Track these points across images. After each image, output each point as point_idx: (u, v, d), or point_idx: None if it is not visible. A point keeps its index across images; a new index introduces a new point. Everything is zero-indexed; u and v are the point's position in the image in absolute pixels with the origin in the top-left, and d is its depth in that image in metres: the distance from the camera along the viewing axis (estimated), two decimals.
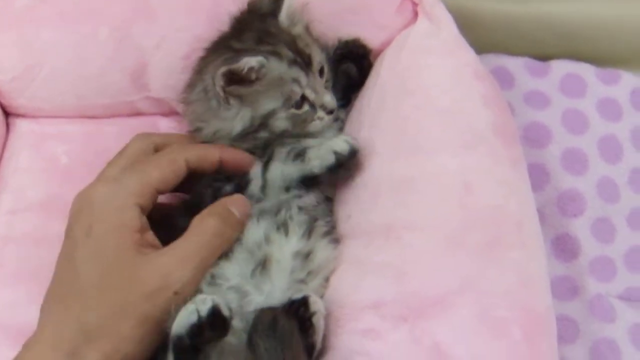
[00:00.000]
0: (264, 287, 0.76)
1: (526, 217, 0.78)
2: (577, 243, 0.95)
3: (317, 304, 0.73)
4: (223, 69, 0.78)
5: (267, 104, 0.82)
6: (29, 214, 0.92)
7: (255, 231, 0.78)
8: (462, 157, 0.78)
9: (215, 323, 0.68)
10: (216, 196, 0.80)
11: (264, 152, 0.83)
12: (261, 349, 0.67)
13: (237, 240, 0.78)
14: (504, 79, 1.02)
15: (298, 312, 0.72)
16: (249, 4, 0.87)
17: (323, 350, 0.74)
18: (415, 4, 0.93)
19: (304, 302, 0.73)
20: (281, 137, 0.83)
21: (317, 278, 0.79)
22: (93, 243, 0.72)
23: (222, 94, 0.80)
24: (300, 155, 0.81)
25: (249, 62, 0.78)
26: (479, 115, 0.81)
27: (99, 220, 0.73)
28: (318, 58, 0.84)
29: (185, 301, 0.69)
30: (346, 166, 0.81)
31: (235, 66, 0.78)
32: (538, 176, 0.96)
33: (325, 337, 0.75)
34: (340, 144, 0.80)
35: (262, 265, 0.77)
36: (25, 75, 0.95)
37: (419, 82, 0.84)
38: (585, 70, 1.05)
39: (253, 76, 0.79)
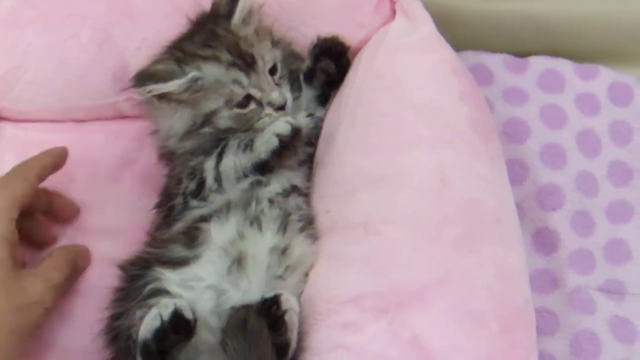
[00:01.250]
0: (241, 284, 0.77)
1: (504, 211, 0.79)
2: (556, 236, 0.95)
3: (289, 302, 0.74)
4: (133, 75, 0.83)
5: (207, 105, 0.84)
6: None
7: (225, 229, 0.79)
8: (440, 152, 0.79)
9: (178, 326, 0.70)
10: (185, 198, 0.84)
11: (213, 147, 0.85)
12: (230, 348, 0.68)
13: (205, 242, 0.79)
14: (482, 76, 1.03)
15: (270, 310, 0.73)
16: (212, 5, 0.89)
17: (304, 345, 0.74)
18: (393, 2, 0.94)
19: (275, 300, 0.73)
20: (227, 133, 0.85)
21: (295, 273, 0.80)
22: None
23: (145, 96, 0.83)
24: (248, 145, 0.82)
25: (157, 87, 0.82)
26: (457, 111, 0.82)
27: None
28: (268, 56, 0.86)
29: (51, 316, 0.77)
30: (291, 146, 0.82)
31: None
32: (517, 171, 0.97)
33: (306, 332, 0.75)
34: (281, 125, 0.81)
35: (238, 262, 0.78)
36: (9, 78, 0.95)
37: (396, 79, 0.85)
38: (564, 66, 1.05)
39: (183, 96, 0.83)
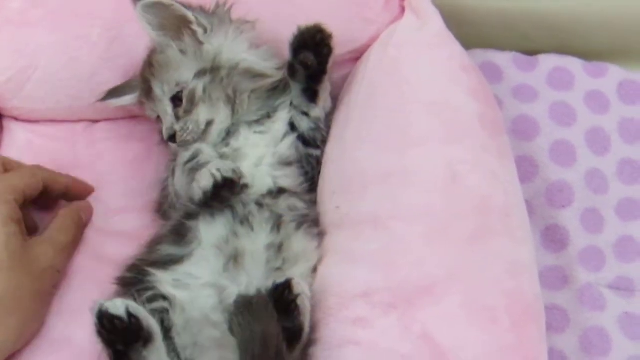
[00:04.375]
0: (240, 280, 0.77)
1: (513, 206, 0.79)
2: (566, 234, 0.95)
3: (300, 286, 0.74)
4: None
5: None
6: None
7: (214, 228, 0.79)
8: (450, 148, 0.79)
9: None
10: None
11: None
12: (235, 324, 0.68)
13: (195, 241, 0.79)
14: (492, 74, 1.03)
15: (282, 295, 0.72)
16: None
17: (315, 338, 0.75)
18: (402, 0, 0.94)
19: (287, 285, 0.73)
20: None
21: (296, 266, 0.79)
22: None
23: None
24: (194, 169, 0.83)
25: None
26: (466, 106, 0.83)
27: None
28: (169, 87, 0.87)
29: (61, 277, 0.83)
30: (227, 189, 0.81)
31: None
32: (527, 168, 0.97)
33: (317, 326, 0.75)
34: (204, 178, 0.80)
35: (234, 259, 0.78)
36: (20, 77, 0.96)
37: (406, 76, 0.85)
38: (573, 64, 1.05)
39: None
